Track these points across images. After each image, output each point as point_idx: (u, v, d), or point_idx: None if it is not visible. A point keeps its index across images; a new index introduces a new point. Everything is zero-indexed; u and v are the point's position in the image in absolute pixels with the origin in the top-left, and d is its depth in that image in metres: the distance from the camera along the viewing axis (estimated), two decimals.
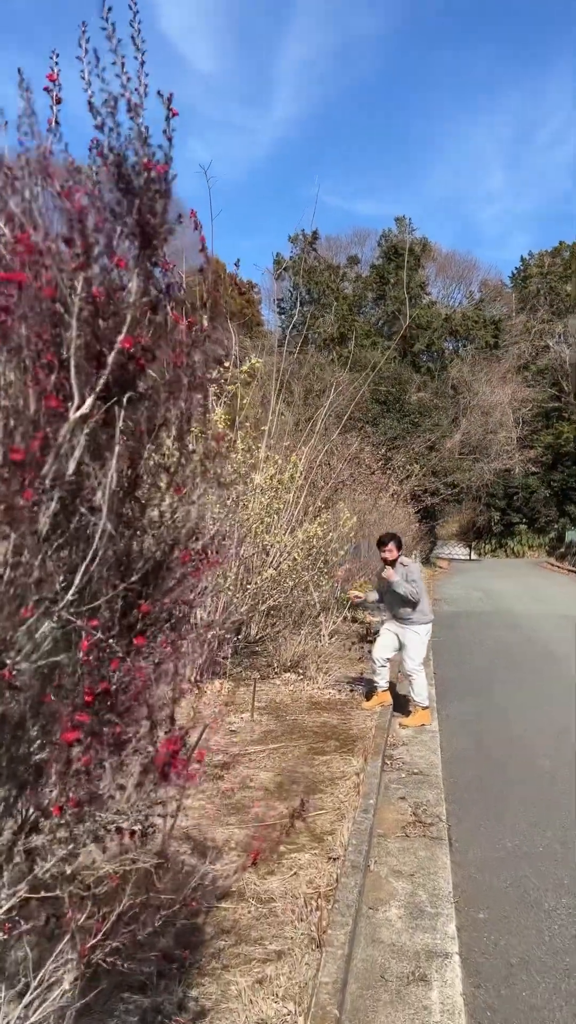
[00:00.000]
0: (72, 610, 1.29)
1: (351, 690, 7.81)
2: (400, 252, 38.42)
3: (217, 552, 2.01)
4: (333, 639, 9.87)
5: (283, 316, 31.09)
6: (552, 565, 32.36)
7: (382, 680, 7.06)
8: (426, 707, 6.83)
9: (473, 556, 43.26)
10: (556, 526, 41.64)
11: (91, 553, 1.29)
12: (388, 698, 7.12)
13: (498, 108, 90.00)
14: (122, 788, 1.38)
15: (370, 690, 7.33)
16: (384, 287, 40.20)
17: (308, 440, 10.45)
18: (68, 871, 1.43)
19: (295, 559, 7.76)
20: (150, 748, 1.38)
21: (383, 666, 7.01)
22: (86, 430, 1.29)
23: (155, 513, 1.53)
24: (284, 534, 7.61)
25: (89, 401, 1.32)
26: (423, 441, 27.05)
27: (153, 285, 1.45)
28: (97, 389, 1.32)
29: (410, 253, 36.22)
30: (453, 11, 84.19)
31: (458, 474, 30.99)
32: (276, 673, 8.34)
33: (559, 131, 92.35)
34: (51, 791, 1.34)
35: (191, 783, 1.44)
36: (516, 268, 48.55)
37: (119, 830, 1.48)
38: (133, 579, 1.39)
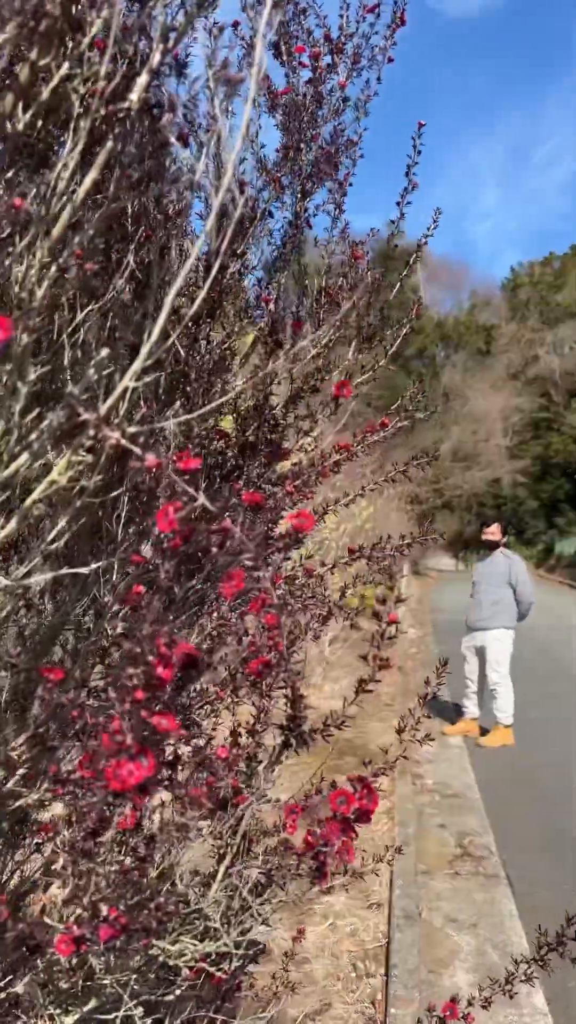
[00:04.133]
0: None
1: (362, 702, 7.10)
2: (391, 256, 38.03)
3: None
4: (337, 646, 9.15)
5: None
6: (543, 577, 31.82)
7: (471, 705, 6.31)
8: (508, 725, 6.06)
9: (460, 567, 42.46)
10: (544, 538, 41.14)
11: None
12: (475, 728, 6.29)
13: (497, 129, 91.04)
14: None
15: (459, 714, 6.50)
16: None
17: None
18: None
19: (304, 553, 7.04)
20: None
21: (475, 691, 6.29)
22: None
23: None
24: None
25: None
26: (418, 446, 26.48)
27: None
28: None
29: (402, 255, 35.81)
30: (454, 33, 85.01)
31: (450, 480, 30.48)
32: None
33: (553, 153, 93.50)
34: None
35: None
36: (506, 278, 48.34)
37: (205, 958, 0.77)
38: None
